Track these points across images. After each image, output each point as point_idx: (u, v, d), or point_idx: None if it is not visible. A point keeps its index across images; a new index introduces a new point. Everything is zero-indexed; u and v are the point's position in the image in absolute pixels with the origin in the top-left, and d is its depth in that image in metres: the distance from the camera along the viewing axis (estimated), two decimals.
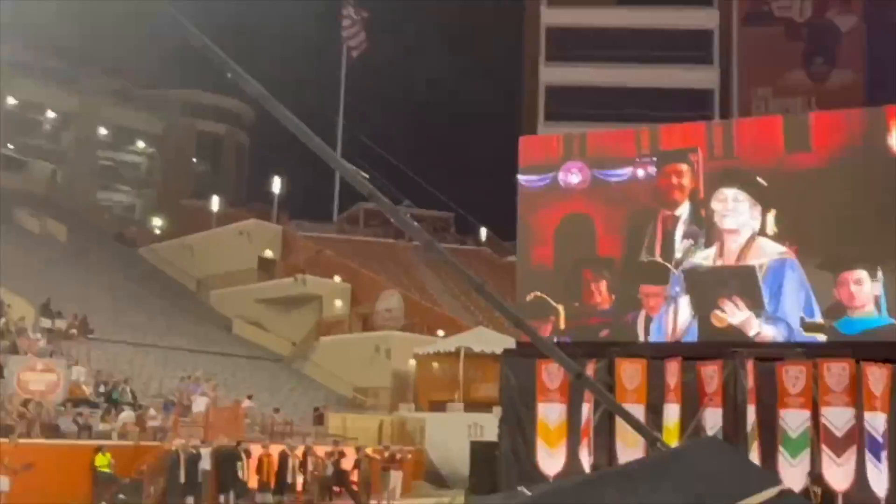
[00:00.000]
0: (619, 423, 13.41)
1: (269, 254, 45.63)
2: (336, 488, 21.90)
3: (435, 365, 33.51)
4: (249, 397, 26.80)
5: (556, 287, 16.09)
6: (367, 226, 51.96)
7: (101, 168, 59.86)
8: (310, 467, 21.25)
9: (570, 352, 12.10)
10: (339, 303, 41.42)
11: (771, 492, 1.00)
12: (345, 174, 3.76)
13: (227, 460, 20.10)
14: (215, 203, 51.38)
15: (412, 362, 34.04)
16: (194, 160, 62.62)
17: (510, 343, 18.65)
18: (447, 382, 32.25)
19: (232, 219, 47.73)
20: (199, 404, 23.66)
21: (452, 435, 27.84)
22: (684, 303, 14.95)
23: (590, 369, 13.98)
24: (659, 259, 15.29)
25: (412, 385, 33.64)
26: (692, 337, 14.76)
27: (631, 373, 14.57)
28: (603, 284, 15.79)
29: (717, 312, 14.57)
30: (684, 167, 15.32)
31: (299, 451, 21.48)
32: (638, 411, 13.62)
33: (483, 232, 53.14)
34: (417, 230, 3.55)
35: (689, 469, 1.16)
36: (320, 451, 22.11)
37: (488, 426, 24.14)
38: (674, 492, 1.09)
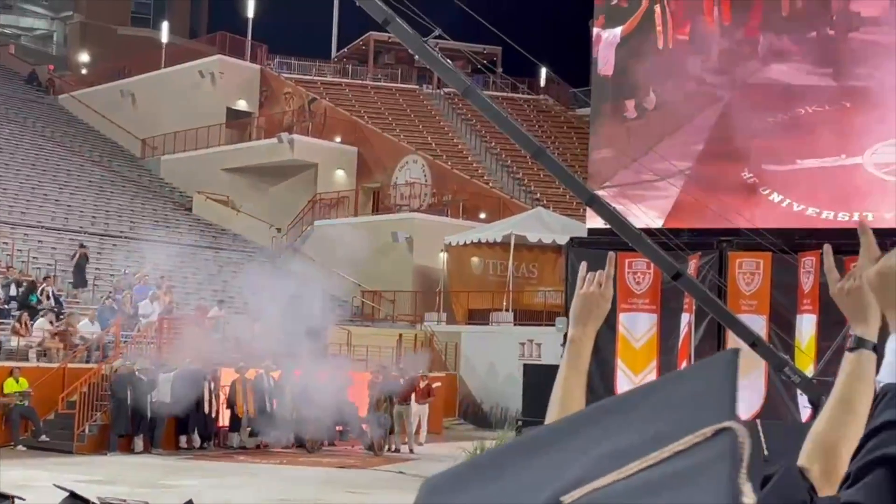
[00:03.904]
0: (732, 340, 13.55)
1: (241, 104, 45.63)
2: (338, 426, 22.46)
3: (474, 260, 33.76)
4: (218, 304, 27.32)
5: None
6: (379, 65, 51.67)
7: None
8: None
9: (666, 242, 12.19)
10: (340, 173, 41.53)
11: (705, 432, 1.07)
12: None
13: (188, 389, 20.65)
14: (165, 32, 51.24)
15: (442, 256, 34.29)
16: None
17: (580, 230, 18.72)
18: (491, 284, 32.57)
19: (189, 55, 47.62)
20: (149, 312, 24.14)
21: (498, 356, 28.32)
22: None
23: (692, 266, 14.06)
24: None
25: (443, 287, 34.00)
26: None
27: (749, 271, 14.64)
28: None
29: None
30: None
31: (289, 377, 21.96)
32: (758, 324, 13.75)
33: (543, 73, 52.60)
34: (451, 71, 3.53)
35: (667, 400, 1.25)
36: (317, 376, 22.56)
37: (548, 344, 24.50)
38: (634, 430, 1.19)
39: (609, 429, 1.23)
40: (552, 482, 1.17)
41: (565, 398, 2.35)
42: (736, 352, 1.32)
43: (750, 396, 14.24)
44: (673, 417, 1.19)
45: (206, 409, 20.89)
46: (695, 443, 1.12)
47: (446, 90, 46.00)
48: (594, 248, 15.30)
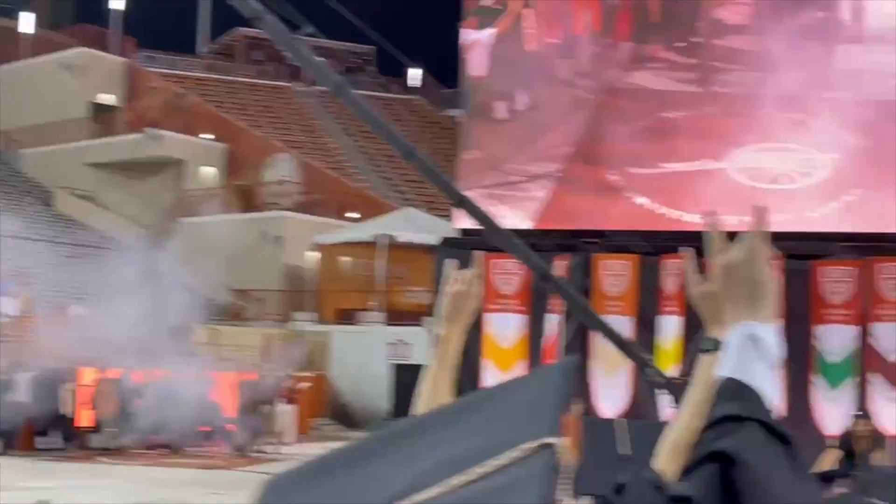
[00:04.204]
0: (598, 341, 13.76)
1: (106, 98, 44.79)
2: (203, 427, 22.22)
3: (344, 259, 33.71)
4: (79, 302, 26.78)
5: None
6: (249, 61, 51.17)
7: None
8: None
9: (536, 242, 12.31)
10: (209, 170, 41.07)
11: (525, 447, 1.08)
12: None
13: (47, 389, 20.22)
14: (26, 22, 49.96)
15: (312, 255, 34.14)
16: None
17: (451, 230, 18.81)
18: (362, 284, 32.55)
19: (51, 46, 46.54)
20: (7, 310, 23.64)
21: (367, 355, 28.31)
22: None
23: (560, 268, 14.22)
24: None
25: (312, 287, 33.84)
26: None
27: (615, 273, 14.87)
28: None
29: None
30: None
31: (152, 377, 21.66)
32: (624, 326, 13.99)
33: (416, 74, 52.74)
34: (322, 69, 3.52)
35: (498, 409, 1.27)
36: (182, 376, 22.29)
37: (418, 344, 24.58)
38: (464, 440, 1.20)
39: (442, 437, 1.23)
40: (382, 490, 1.17)
41: (433, 397, 2.36)
42: (572, 361, 1.32)
43: (616, 395, 14.51)
44: (501, 429, 1.19)
45: (67, 410, 20.47)
46: (516, 459, 1.12)
47: (317, 88, 45.86)
48: (465, 248, 15.37)
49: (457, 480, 1.13)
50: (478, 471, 1.13)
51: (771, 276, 1.73)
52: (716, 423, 1.45)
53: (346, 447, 1.35)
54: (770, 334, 1.65)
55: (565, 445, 1.15)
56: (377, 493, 1.18)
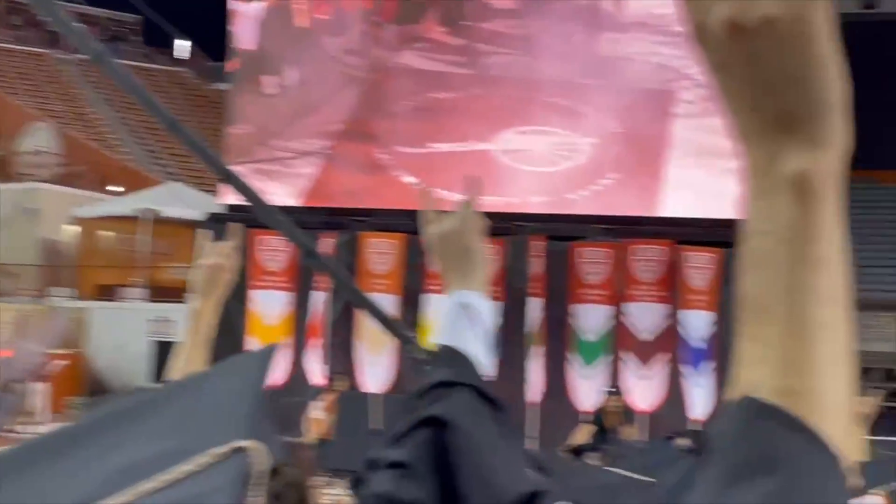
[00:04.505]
0: (364, 318, 13.87)
1: None
2: None
3: (105, 234, 32.82)
4: None
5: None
6: (6, 26, 49.12)
7: None
8: None
9: (303, 220, 12.31)
10: None
11: (215, 452, 1.02)
12: None
13: None
14: None
15: (71, 229, 33.10)
16: None
17: (216, 206, 18.60)
18: (122, 259, 31.78)
19: None
20: None
21: (128, 333, 27.68)
22: None
23: (327, 246, 14.26)
24: None
25: (71, 262, 32.82)
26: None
27: (382, 251, 15.01)
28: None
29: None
30: None
31: None
32: (390, 304, 14.15)
33: (183, 45, 51.63)
34: (82, 36, 3.42)
35: (191, 406, 1.19)
36: None
37: (181, 321, 24.17)
38: (153, 441, 1.12)
39: (131, 436, 1.13)
40: (63, 495, 1.08)
41: (186, 372, 2.32)
42: (268, 352, 1.25)
43: (380, 372, 14.69)
44: (192, 430, 1.10)
45: None
46: (205, 465, 1.05)
47: (79, 56, 44.37)
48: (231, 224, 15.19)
49: (142, 488, 1.04)
50: (164, 478, 1.05)
51: (482, 245, 1.78)
52: (430, 389, 1.47)
53: (32, 442, 1.24)
54: (482, 302, 1.69)
55: (262, 450, 1.08)
56: (58, 497, 1.09)
